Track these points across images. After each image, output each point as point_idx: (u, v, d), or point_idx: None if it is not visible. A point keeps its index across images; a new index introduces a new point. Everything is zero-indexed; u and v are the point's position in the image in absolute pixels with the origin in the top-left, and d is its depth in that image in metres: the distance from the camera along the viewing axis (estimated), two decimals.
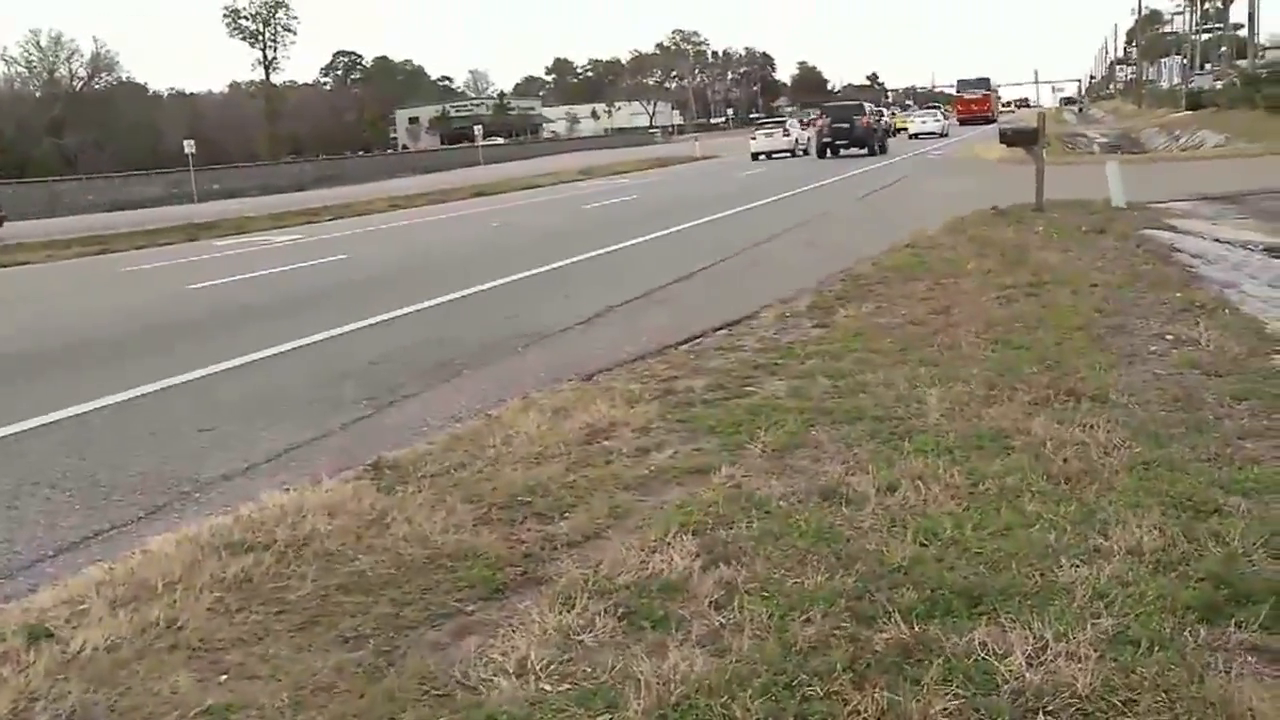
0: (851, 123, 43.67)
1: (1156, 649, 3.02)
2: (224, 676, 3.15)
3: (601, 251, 14.16)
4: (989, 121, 66.97)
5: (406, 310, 10.16)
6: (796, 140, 49.02)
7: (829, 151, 42.81)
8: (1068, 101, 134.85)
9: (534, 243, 16.59)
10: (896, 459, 4.74)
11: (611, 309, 9.55)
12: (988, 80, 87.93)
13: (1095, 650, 3.02)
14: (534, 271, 12.49)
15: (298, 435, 6.02)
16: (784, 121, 55.46)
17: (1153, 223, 13.43)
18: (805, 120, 62.43)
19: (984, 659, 3.02)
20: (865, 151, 42.52)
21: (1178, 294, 8.35)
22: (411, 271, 14.13)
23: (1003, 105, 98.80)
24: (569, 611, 3.42)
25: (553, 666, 3.11)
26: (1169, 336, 6.96)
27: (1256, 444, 4.73)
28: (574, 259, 13.50)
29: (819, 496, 4.35)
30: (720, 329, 8.16)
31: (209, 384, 7.68)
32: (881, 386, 5.97)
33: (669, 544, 3.93)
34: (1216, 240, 12.57)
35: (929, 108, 72.93)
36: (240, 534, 4.14)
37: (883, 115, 54.22)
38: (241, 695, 3.04)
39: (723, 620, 3.34)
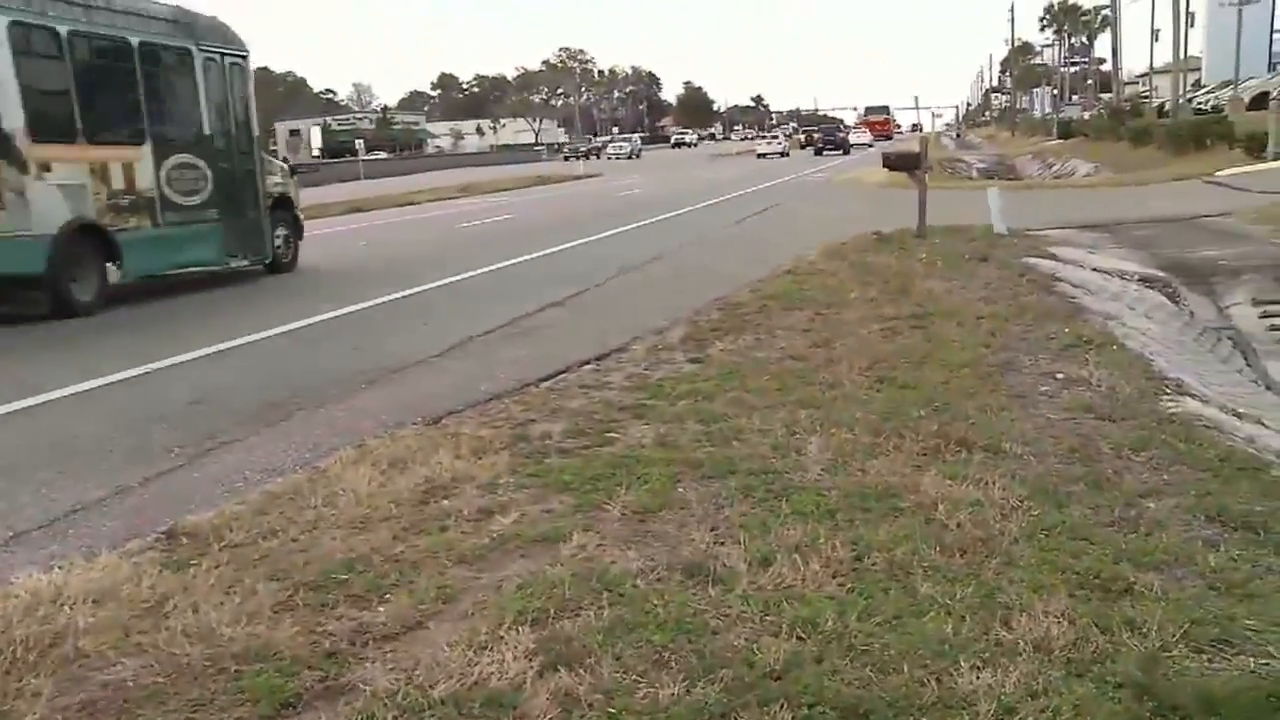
0: (835, 135, 77.79)
1: None
2: None
3: (469, 274, 13.36)
4: (889, 139, 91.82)
5: (241, 340, 9.21)
6: (784, 146, 77.37)
7: (820, 152, 70.75)
8: (946, 127, 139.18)
9: (399, 264, 15.71)
10: (772, 523, 4.19)
11: (472, 339, 8.81)
12: (887, 107, 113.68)
13: None
14: (393, 296, 11.63)
15: (88, 493, 5.13)
16: (778, 135, 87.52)
17: (1033, 250, 13.28)
18: (787, 133, 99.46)
19: None
20: (841, 151, 69.79)
21: (1065, 328, 8.05)
22: (255, 294, 13.14)
23: (896, 127, 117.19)
24: None
25: None
26: (1059, 375, 6.61)
27: (1159, 504, 4.31)
28: (438, 282, 12.71)
29: (682, 573, 3.77)
30: (587, 363, 7.54)
31: None
32: (757, 433, 5.44)
33: (502, 639, 3.30)
34: (1095, 270, 12.48)
35: (858, 129, 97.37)
36: None
37: (848, 130, 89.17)
38: None
39: None
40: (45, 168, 10.91)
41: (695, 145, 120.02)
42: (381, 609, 3.60)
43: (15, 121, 10.59)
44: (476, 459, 5.16)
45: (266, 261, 14.62)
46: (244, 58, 14.53)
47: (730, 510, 4.37)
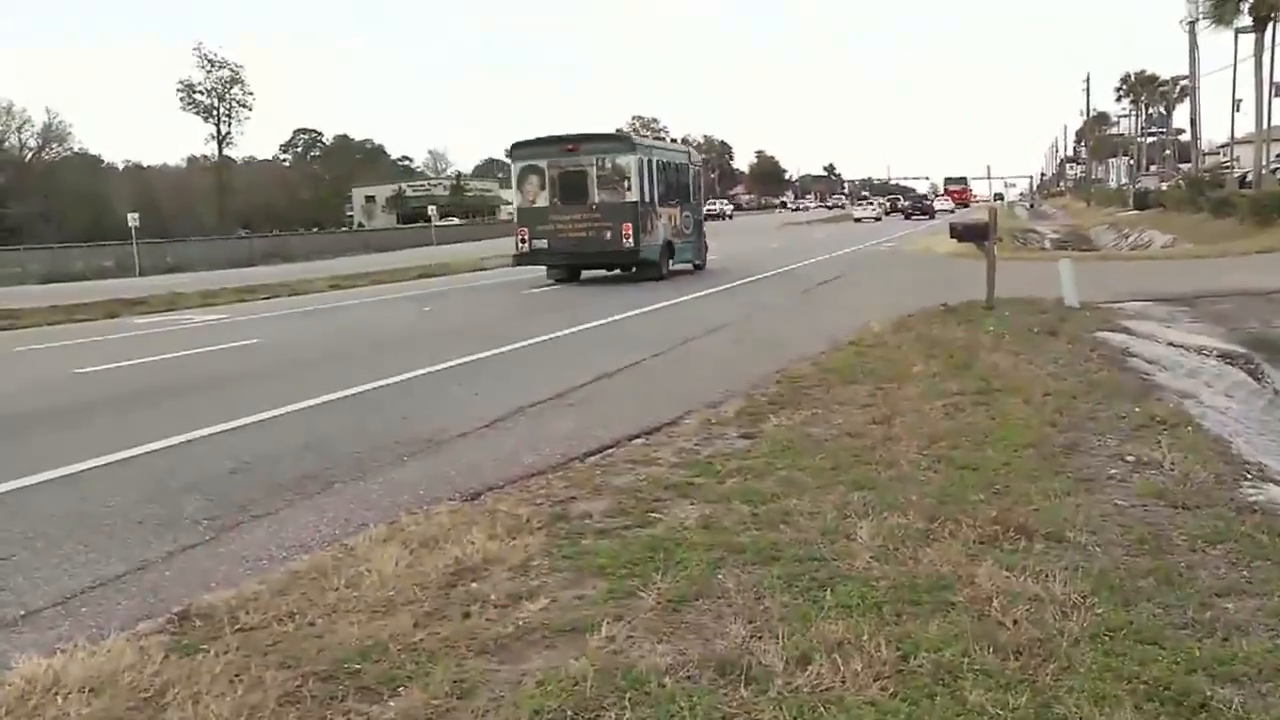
0: (922, 202, 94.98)
1: None
2: None
3: (528, 343, 13.21)
4: (966, 206, 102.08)
5: (292, 407, 9.07)
6: (878, 211, 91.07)
7: (909, 216, 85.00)
8: (1020, 196, 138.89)
9: (461, 330, 15.74)
10: (814, 616, 3.92)
11: (521, 410, 8.62)
12: (965, 178, 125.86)
13: None
14: (450, 364, 11.50)
15: (109, 568, 4.98)
16: (872, 202, 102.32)
17: (1105, 324, 12.90)
18: (879, 201, 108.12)
19: None
20: (928, 216, 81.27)
21: (1136, 407, 7.69)
22: (317, 361, 13.06)
23: (973, 196, 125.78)
24: None
25: None
26: (1129, 458, 6.26)
27: (1238, 605, 3.98)
28: (498, 350, 12.60)
29: (714, 671, 3.53)
30: (637, 437, 7.34)
31: (27, 497, 6.49)
32: (806, 516, 5.18)
33: None
34: (1171, 344, 12.06)
35: (942, 197, 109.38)
36: None
37: (934, 198, 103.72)
38: None
39: None
40: (659, 216, 24.76)
41: (730, 217, 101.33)
42: (392, 704, 3.40)
43: (651, 197, 24.27)
44: (511, 539, 4.97)
45: (700, 264, 27.65)
46: (700, 164, 30.89)
47: (771, 601, 4.12)
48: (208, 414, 8.75)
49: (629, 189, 23.79)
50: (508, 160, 26.96)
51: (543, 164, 24.47)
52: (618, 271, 24.89)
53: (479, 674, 3.59)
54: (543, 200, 24.36)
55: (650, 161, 24.91)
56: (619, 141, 25.80)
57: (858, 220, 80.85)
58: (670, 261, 25.40)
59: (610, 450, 6.99)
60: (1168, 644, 3.61)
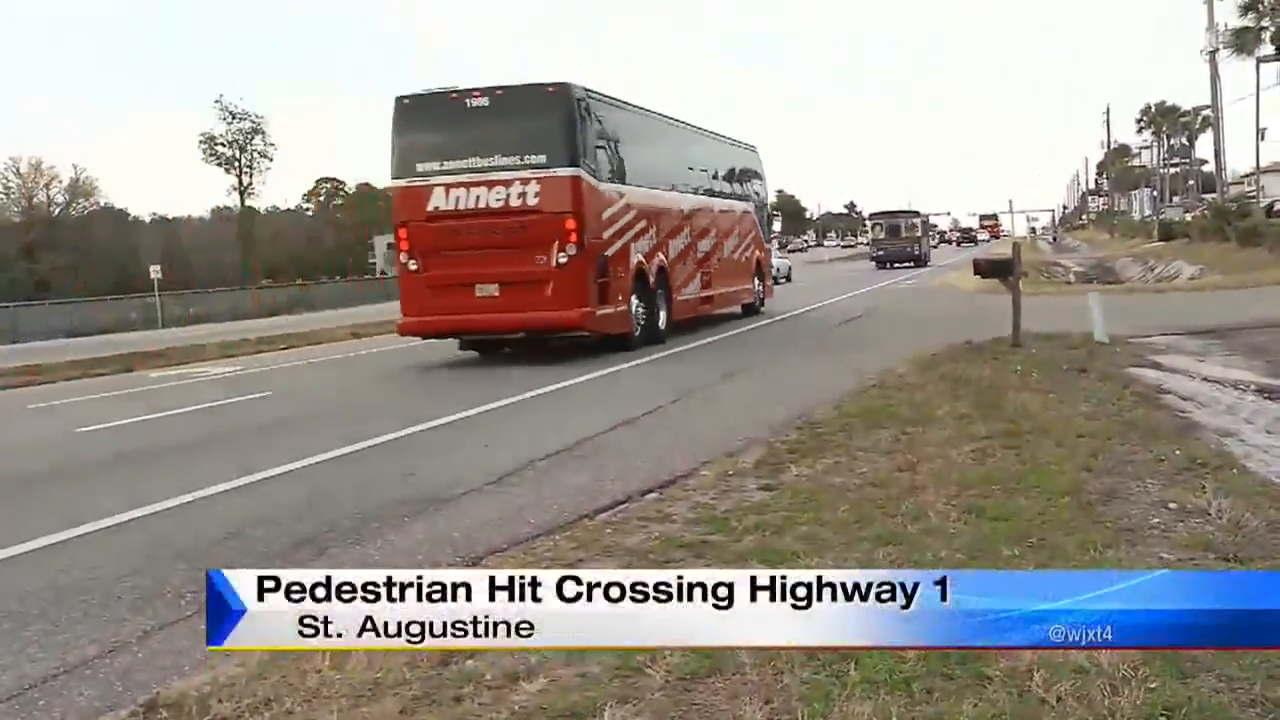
0: (968, 234, 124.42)
1: None
2: None
3: (543, 391, 12.90)
4: (998, 238, 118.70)
5: (296, 464, 8.73)
6: (934, 241, 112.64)
7: (959, 244, 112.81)
8: (1042, 230, 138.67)
9: (477, 378, 15.47)
10: (838, 696, 3.58)
11: (532, 463, 8.29)
12: (996, 214, 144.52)
13: None
14: (462, 415, 11.17)
15: (76, 650, 4.60)
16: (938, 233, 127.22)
17: (1137, 359, 12.52)
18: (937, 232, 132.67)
19: None
20: (973, 244, 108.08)
21: (1175, 448, 7.31)
22: (331, 413, 12.69)
23: (1003, 230, 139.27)
24: None
25: None
26: (1172, 505, 5.90)
27: None
28: (514, 398, 12.28)
29: None
30: (651, 491, 7.00)
31: (4, 570, 6.13)
32: None
33: None
34: (1206, 380, 11.64)
35: (981, 231, 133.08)
36: None
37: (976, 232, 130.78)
38: None
39: None
40: (923, 240, 60.91)
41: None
42: None
43: (922, 233, 61.26)
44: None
45: (927, 261, 57.74)
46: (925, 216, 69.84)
47: (790, 677, 3.77)
48: (202, 474, 8.39)
49: (918, 231, 57.09)
50: None
51: (882, 220, 59.21)
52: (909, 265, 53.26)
53: None
54: (880, 235, 58.32)
55: (923, 219, 58.53)
56: (915, 212, 59.80)
57: None
58: (927, 259, 56.63)
59: (623, 505, 6.65)
60: None
